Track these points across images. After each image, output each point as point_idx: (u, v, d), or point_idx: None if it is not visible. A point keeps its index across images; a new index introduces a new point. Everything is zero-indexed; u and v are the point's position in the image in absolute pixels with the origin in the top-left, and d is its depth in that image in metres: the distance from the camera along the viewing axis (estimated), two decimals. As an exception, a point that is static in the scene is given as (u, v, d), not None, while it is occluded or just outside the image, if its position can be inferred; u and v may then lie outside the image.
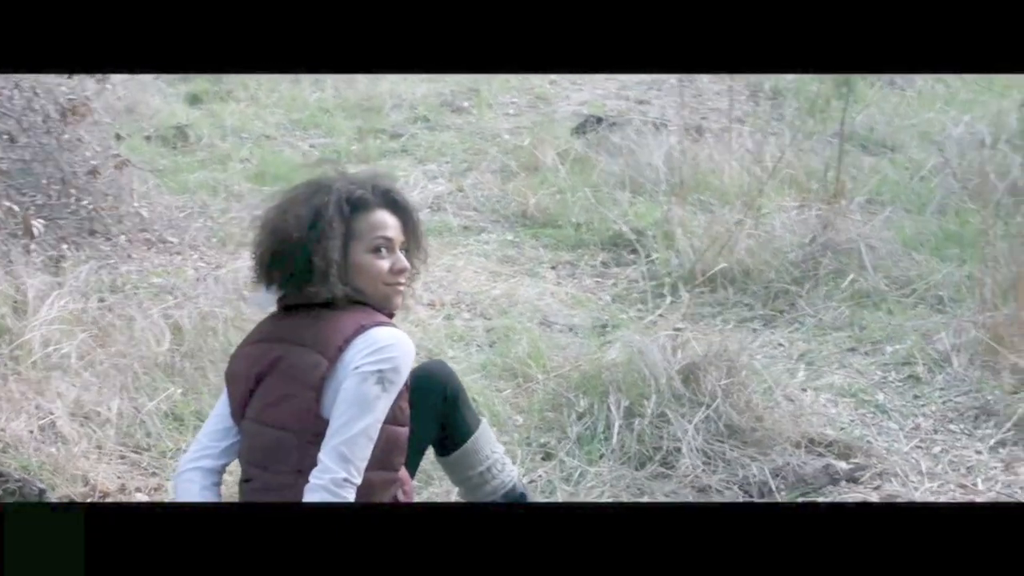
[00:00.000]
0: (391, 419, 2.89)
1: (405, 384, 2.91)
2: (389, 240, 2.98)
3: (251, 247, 3.07)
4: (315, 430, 2.82)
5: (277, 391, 2.89)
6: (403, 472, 3.03)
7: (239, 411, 2.99)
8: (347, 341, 2.83)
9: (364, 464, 2.81)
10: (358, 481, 2.79)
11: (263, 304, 3.08)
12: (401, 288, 3.02)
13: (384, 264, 2.97)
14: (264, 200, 3.15)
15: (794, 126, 8.23)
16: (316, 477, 2.76)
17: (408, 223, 3.07)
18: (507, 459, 3.54)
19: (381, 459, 2.89)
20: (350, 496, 2.77)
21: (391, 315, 3.02)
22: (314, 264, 2.88)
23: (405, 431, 2.98)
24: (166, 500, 3.89)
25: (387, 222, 3.00)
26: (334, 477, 2.75)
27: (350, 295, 2.92)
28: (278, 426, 2.88)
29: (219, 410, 3.08)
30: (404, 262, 3.00)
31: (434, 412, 3.36)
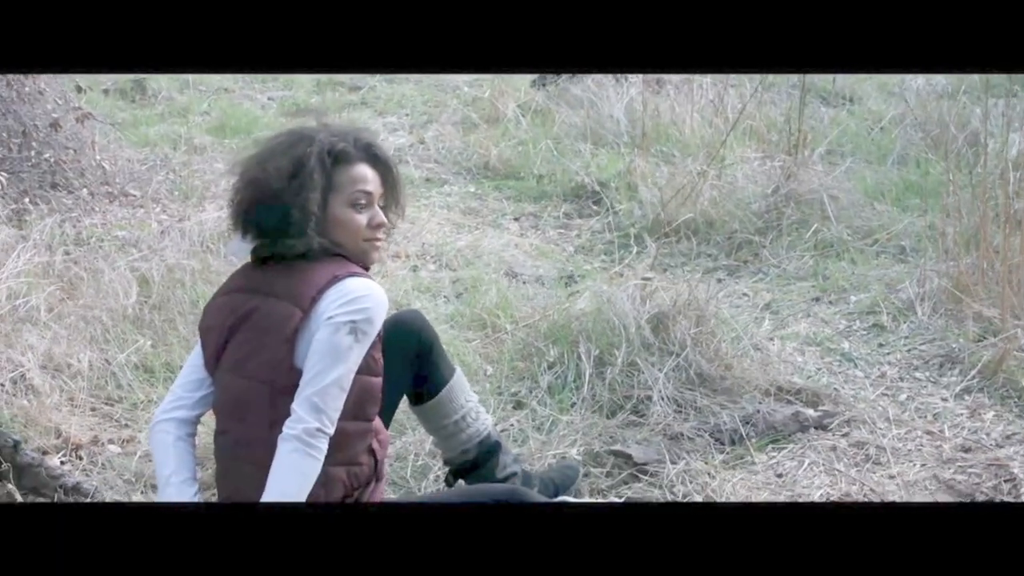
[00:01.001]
0: (364, 369, 2.87)
1: (378, 335, 2.89)
2: (369, 194, 2.94)
3: (229, 196, 3.04)
4: (288, 382, 2.80)
5: (250, 343, 2.87)
6: (377, 422, 3.02)
7: (213, 362, 2.97)
8: (320, 292, 2.81)
9: (337, 414, 2.80)
10: (331, 431, 2.78)
11: (239, 253, 3.06)
12: (379, 243, 2.99)
13: (362, 219, 2.93)
14: (243, 148, 3.11)
15: (753, 78, 8.23)
16: (289, 427, 2.75)
17: (388, 178, 3.04)
18: (481, 408, 3.55)
19: (355, 410, 2.88)
20: (323, 446, 2.76)
21: (367, 269, 3.01)
22: (292, 216, 2.85)
23: (379, 381, 2.96)
24: (139, 451, 3.89)
25: (367, 176, 2.96)
26: (307, 427, 2.74)
27: (326, 247, 2.89)
28: (252, 378, 2.86)
29: (193, 360, 3.06)
30: (382, 217, 2.98)
31: (408, 362, 3.37)
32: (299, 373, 2.80)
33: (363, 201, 2.93)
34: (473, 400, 3.53)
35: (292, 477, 2.75)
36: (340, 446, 2.86)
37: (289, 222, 2.85)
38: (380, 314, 2.85)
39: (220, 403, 2.98)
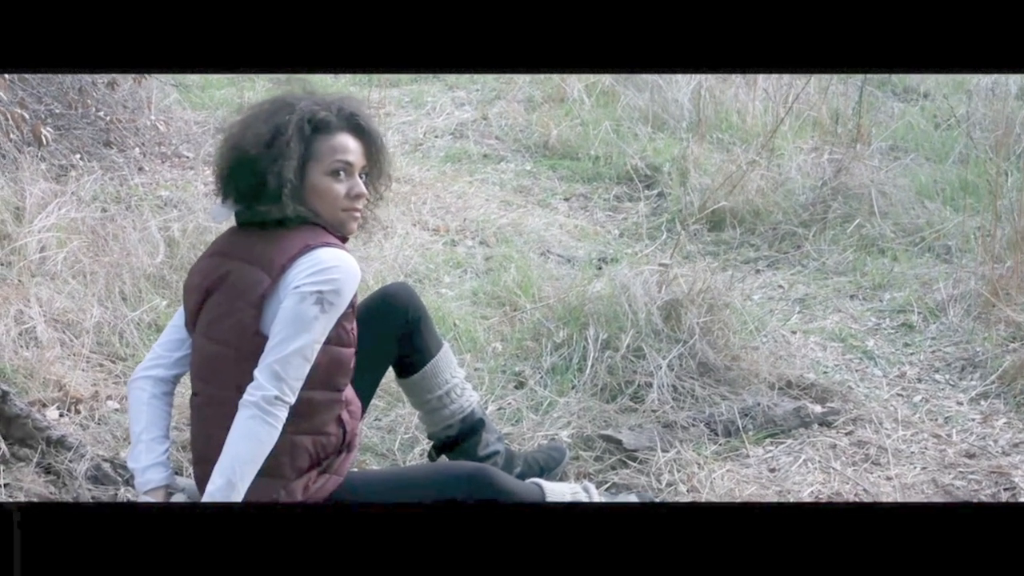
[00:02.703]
0: (334, 340, 2.88)
1: (351, 306, 2.89)
2: (348, 164, 2.94)
3: (213, 159, 3.06)
4: (254, 347, 2.81)
5: (222, 307, 2.89)
6: (349, 392, 3.02)
7: (191, 323, 3.00)
8: (291, 260, 2.82)
9: (299, 384, 2.80)
10: (291, 400, 2.79)
11: (219, 217, 3.08)
12: (357, 214, 2.99)
13: (341, 188, 2.94)
14: (231, 112, 3.12)
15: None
16: (249, 394, 2.76)
17: (371, 148, 3.03)
18: (467, 385, 3.54)
19: (324, 379, 2.89)
20: (282, 414, 2.77)
21: (344, 239, 3.01)
22: (267, 183, 2.85)
23: (349, 352, 2.96)
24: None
25: (348, 146, 2.96)
26: (265, 395, 2.75)
27: (303, 215, 2.89)
28: (220, 341, 2.89)
29: (175, 320, 3.10)
30: (361, 187, 2.97)
31: (395, 334, 3.38)
32: (265, 339, 2.81)
33: (342, 170, 2.93)
34: (459, 376, 3.52)
35: (247, 443, 2.76)
36: (307, 415, 2.87)
37: (264, 188, 2.86)
38: (350, 286, 2.85)
39: (193, 364, 3.02)
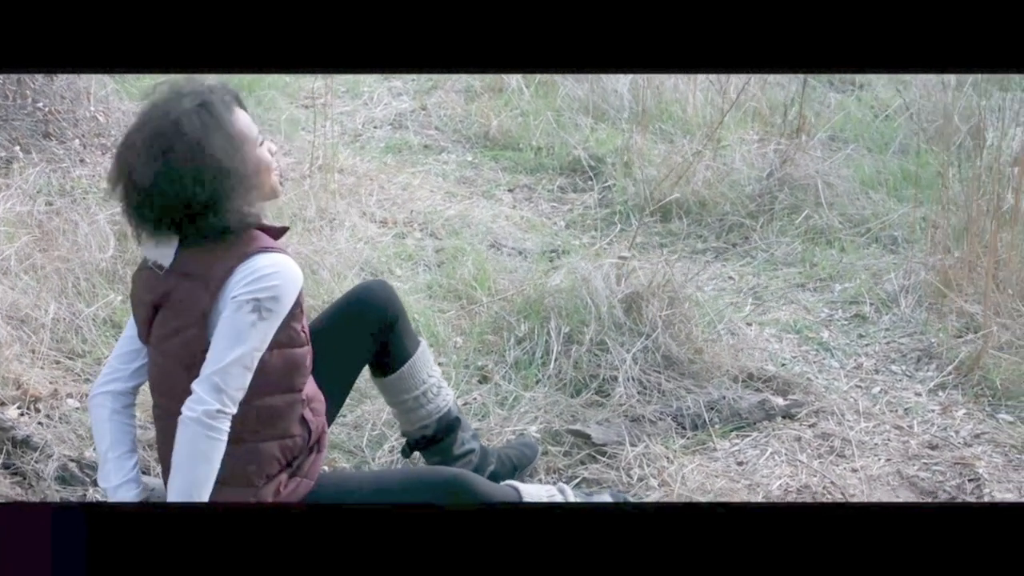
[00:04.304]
0: (286, 342, 2.82)
1: (298, 306, 2.83)
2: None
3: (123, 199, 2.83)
4: (203, 362, 2.76)
5: (169, 324, 2.82)
6: (310, 389, 2.97)
7: (144, 335, 2.93)
8: (229, 271, 2.74)
9: (241, 394, 2.73)
10: (233, 410, 2.72)
11: (163, 259, 2.85)
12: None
13: (268, 153, 2.88)
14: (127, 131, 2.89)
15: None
16: (189, 409, 2.69)
17: None
18: (443, 383, 3.52)
19: (281, 382, 2.84)
20: (225, 427, 2.71)
21: (282, 230, 2.93)
22: (198, 199, 2.72)
23: (303, 351, 2.90)
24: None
25: (246, 115, 2.86)
26: (207, 409, 2.68)
27: (243, 221, 2.78)
28: (172, 357, 2.82)
29: (127, 332, 3.03)
30: (272, 143, 2.91)
31: (371, 333, 3.34)
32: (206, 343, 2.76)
33: (262, 138, 2.88)
34: (436, 375, 3.49)
35: (195, 463, 2.71)
36: (269, 421, 2.84)
37: (199, 205, 2.73)
38: (289, 289, 2.77)
39: (151, 377, 2.97)
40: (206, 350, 2.74)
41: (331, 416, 3.24)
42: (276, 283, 2.73)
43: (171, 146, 2.70)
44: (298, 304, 2.83)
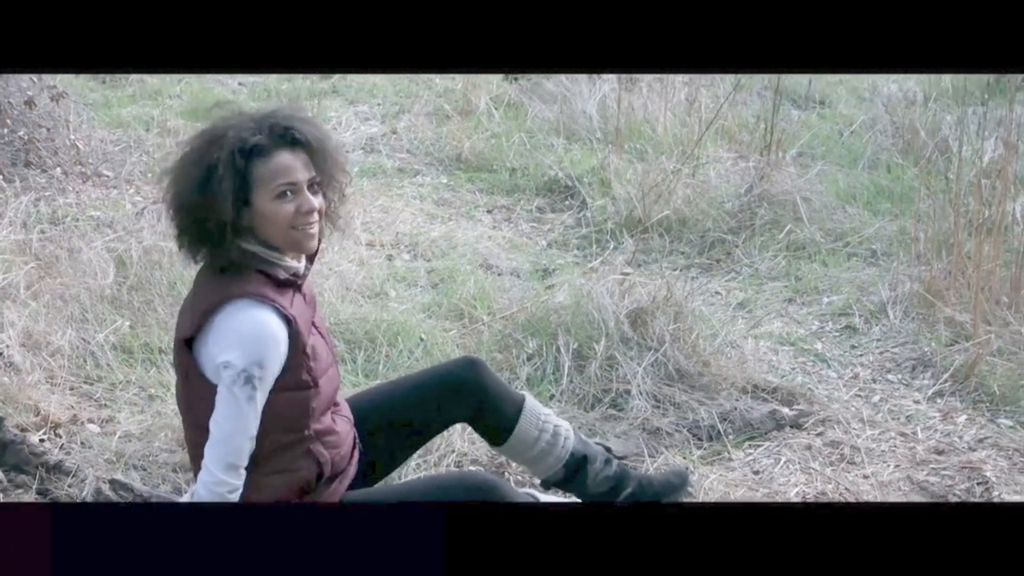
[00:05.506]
0: (291, 386, 2.83)
1: (299, 353, 2.82)
2: (294, 183, 2.79)
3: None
4: (198, 388, 2.83)
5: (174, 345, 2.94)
6: (324, 423, 2.95)
7: None
8: (214, 306, 2.78)
9: (250, 449, 2.79)
10: (245, 465, 2.79)
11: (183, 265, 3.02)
12: (311, 229, 2.85)
13: (289, 208, 2.79)
14: (171, 153, 2.97)
15: (726, 78, 8.26)
16: (204, 485, 2.76)
17: (314, 157, 2.86)
18: (560, 428, 3.44)
19: (284, 423, 2.84)
20: (240, 480, 2.79)
21: (311, 260, 2.97)
22: (208, 228, 2.76)
23: (309, 394, 2.88)
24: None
25: (289, 164, 2.80)
26: (226, 486, 2.76)
27: (246, 259, 2.81)
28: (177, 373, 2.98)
29: None
30: (311, 202, 2.82)
31: (462, 417, 3.38)
32: (204, 382, 2.80)
33: (288, 191, 2.80)
34: (549, 427, 3.41)
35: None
36: (272, 456, 2.86)
37: (207, 234, 2.78)
38: (270, 350, 2.76)
39: None
40: (200, 375, 2.80)
41: (393, 466, 3.39)
42: (256, 348, 2.73)
43: (188, 176, 2.77)
44: (297, 351, 2.82)
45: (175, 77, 9.10)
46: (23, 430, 3.76)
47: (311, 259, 2.97)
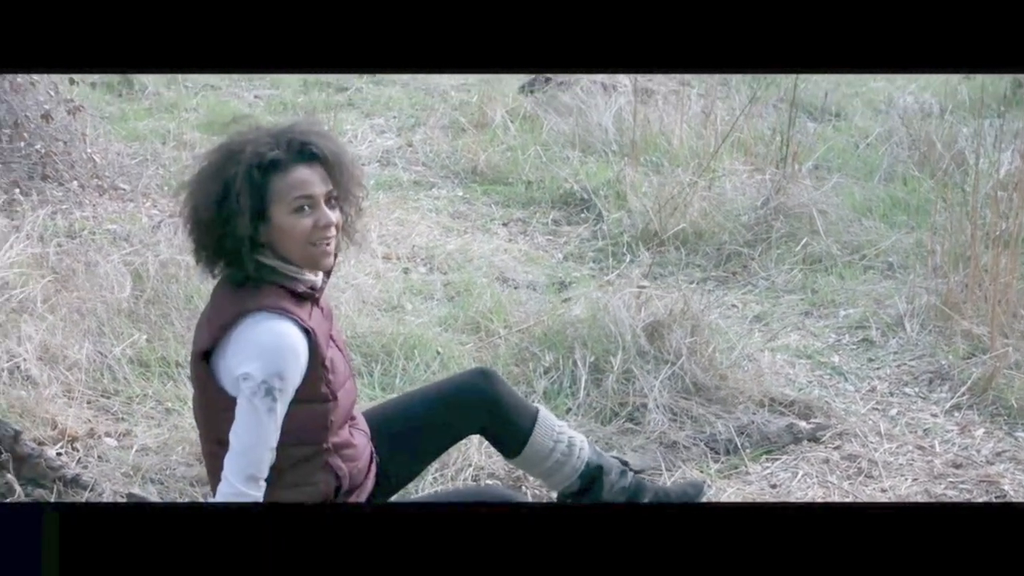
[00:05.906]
0: (309, 398, 2.83)
1: (319, 366, 2.82)
2: (311, 197, 2.78)
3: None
4: (216, 399, 2.82)
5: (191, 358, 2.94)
6: (342, 436, 2.96)
7: None
8: (233, 321, 2.77)
9: (270, 461, 2.78)
10: (265, 475, 2.78)
11: (201, 278, 3.02)
12: (328, 245, 2.84)
13: (307, 223, 2.78)
14: (188, 167, 2.97)
15: (742, 90, 8.28)
16: (223, 495, 2.76)
17: (332, 172, 2.84)
18: (574, 439, 3.45)
19: (300, 436, 2.84)
20: (261, 491, 2.78)
21: (328, 275, 2.97)
22: (225, 243, 2.76)
23: (327, 407, 2.88)
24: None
25: (306, 179, 2.79)
26: (243, 495, 2.75)
27: (264, 274, 2.81)
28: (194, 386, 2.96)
29: None
30: (329, 216, 2.81)
31: (476, 427, 3.37)
32: (222, 393, 2.79)
33: (306, 205, 2.79)
34: (563, 438, 3.42)
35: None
36: (288, 468, 2.85)
37: (224, 249, 2.79)
38: (289, 362, 2.76)
39: None
40: (218, 388, 2.79)
41: (408, 477, 3.38)
42: (276, 359, 2.73)
43: (205, 190, 2.78)
44: (316, 363, 2.82)
45: (192, 90, 9.15)
46: (40, 444, 3.77)
47: (328, 272, 2.97)
